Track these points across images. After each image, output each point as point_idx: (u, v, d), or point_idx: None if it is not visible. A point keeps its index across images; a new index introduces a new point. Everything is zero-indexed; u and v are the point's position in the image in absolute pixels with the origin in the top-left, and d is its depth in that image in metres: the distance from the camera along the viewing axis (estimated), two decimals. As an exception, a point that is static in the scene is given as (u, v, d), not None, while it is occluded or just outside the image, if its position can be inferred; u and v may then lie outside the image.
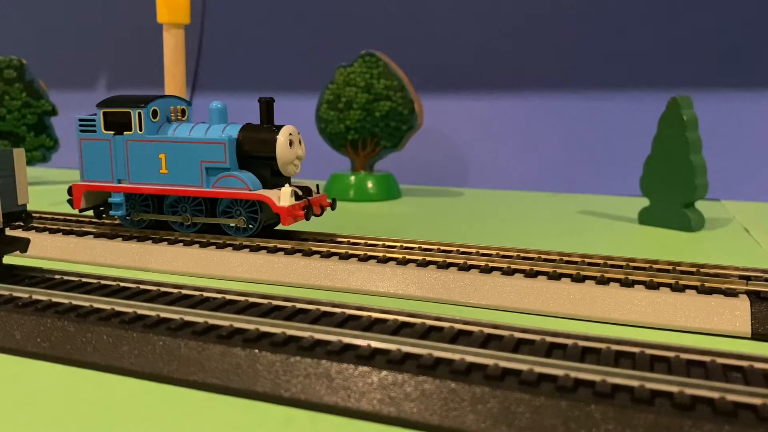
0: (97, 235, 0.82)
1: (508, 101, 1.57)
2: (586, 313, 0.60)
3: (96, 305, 0.54)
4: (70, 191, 0.84)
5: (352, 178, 1.31)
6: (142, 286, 0.60)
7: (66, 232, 0.84)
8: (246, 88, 1.70)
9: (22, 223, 0.64)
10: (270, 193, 0.75)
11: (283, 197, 0.74)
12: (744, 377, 0.42)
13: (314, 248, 0.74)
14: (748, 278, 0.63)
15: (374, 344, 0.45)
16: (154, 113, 0.80)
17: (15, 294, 0.57)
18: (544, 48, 1.53)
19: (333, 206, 0.82)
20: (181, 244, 0.78)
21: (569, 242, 0.92)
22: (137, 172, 0.80)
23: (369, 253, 0.72)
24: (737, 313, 0.57)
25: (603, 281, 0.63)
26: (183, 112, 0.85)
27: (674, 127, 0.99)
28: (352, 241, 0.79)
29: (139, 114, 0.79)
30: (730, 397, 0.38)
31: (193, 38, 1.82)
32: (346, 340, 0.46)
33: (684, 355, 0.44)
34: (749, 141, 1.40)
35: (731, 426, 0.36)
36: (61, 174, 1.65)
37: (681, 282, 0.61)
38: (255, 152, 0.78)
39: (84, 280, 0.62)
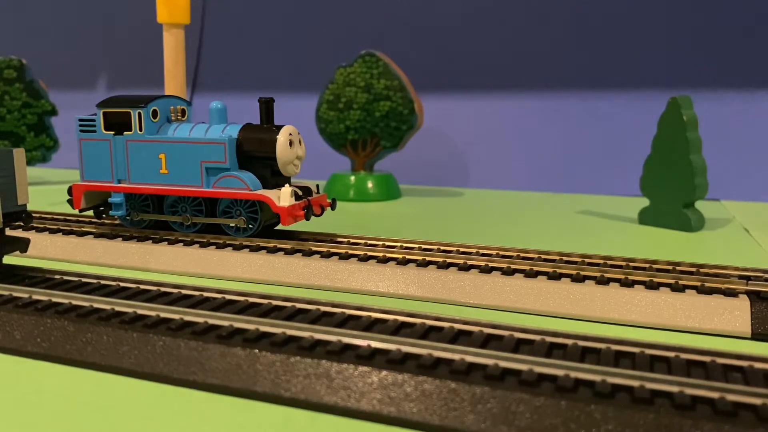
0: (97, 235, 0.82)
1: (508, 101, 1.57)
2: (586, 313, 0.60)
3: (96, 305, 0.54)
4: (70, 191, 0.84)
5: (352, 178, 1.31)
6: (142, 286, 0.60)
7: (66, 232, 0.84)
8: (246, 88, 1.70)
9: (22, 223, 0.64)
10: (270, 193, 0.75)
11: (283, 197, 0.74)
12: (744, 377, 0.42)
13: (314, 248, 0.74)
14: (748, 278, 0.63)
15: (374, 344, 0.45)
16: (154, 113, 0.80)
17: (15, 294, 0.57)
18: (544, 48, 1.52)
19: (333, 206, 0.82)
20: (181, 244, 0.78)
21: (569, 242, 0.92)
22: (137, 172, 0.80)
23: (369, 253, 0.72)
24: (737, 313, 0.57)
25: (603, 281, 0.63)
26: (183, 112, 0.85)
27: (674, 127, 0.99)
28: (352, 241, 0.79)
29: (139, 114, 0.79)
30: (730, 397, 0.38)
31: (193, 38, 1.82)
32: (346, 340, 0.46)
33: (684, 355, 0.44)
34: (749, 141, 1.40)
35: (731, 426, 0.36)
36: (61, 174, 1.65)
37: (681, 282, 0.61)
38: (255, 152, 0.78)
39: (84, 280, 0.62)
